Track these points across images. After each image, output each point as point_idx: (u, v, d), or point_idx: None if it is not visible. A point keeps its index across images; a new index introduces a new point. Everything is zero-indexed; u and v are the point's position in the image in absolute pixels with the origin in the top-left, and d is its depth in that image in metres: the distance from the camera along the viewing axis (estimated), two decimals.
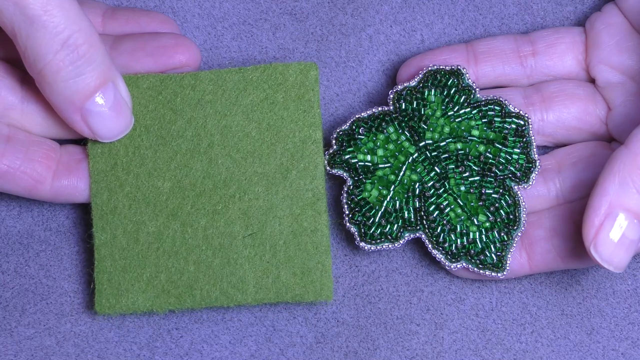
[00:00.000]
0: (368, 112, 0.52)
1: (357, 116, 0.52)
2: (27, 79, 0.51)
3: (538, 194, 0.53)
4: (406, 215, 0.51)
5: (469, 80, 0.52)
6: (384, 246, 0.51)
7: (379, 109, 0.52)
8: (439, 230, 0.51)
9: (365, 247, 0.51)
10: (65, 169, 0.52)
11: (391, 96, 0.52)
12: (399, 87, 0.52)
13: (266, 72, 0.52)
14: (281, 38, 0.57)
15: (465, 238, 0.51)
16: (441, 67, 0.52)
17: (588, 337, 0.54)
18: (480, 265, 0.51)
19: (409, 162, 0.52)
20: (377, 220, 0.51)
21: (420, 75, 0.52)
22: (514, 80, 0.54)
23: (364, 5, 0.57)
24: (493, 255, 0.51)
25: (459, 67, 0.52)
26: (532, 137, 0.52)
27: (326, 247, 0.52)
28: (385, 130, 0.52)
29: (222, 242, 0.51)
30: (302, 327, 0.54)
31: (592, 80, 0.54)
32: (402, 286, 0.54)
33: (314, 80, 0.52)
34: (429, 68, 0.53)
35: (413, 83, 0.52)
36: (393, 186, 0.51)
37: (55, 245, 0.55)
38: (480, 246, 0.51)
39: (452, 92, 0.52)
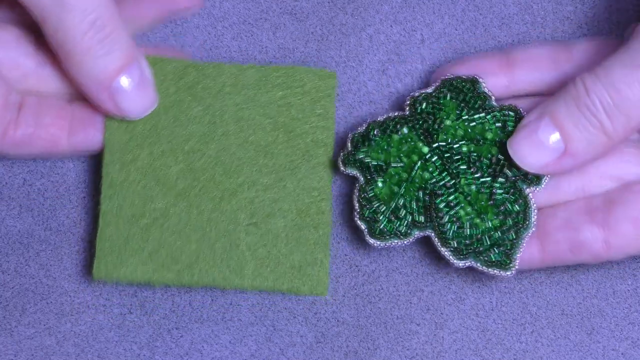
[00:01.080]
0: (384, 116, 0.53)
1: (373, 120, 0.53)
2: (41, 44, 0.52)
3: (558, 188, 0.52)
4: (416, 212, 0.51)
5: (485, 88, 0.53)
6: (392, 243, 0.51)
7: (395, 113, 0.53)
8: (447, 228, 0.51)
9: (374, 244, 0.52)
10: (79, 124, 0.52)
11: (408, 101, 0.53)
12: (416, 93, 0.53)
13: (287, 74, 0.54)
14: (281, 38, 0.57)
15: (473, 236, 0.51)
16: (457, 75, 0.53)
17: (588, 337, 0.54)
18: (488, 264, 0.51)
19: (421, 162, 0.52)
20: (386, 216, 0.52)
21: (438, 83, 0.53)
22: (550, 86, 0.54)
23: (364, 5, 0.57)
24: (500, 253, 0.51)
25: (475, 76, 0.53)
26: None
27: (325, 244, 0.52)
28: (399, 132, 0.52)
29: (226, 227, 0.52)
30: (302, 327, 0.54)
31: None
32: (402, 286, 0.54)
33: (331, 87, 0.54)
34: (446, 77, 0.53)
35: (430, 90, 0.53)
36: (404, 184, 0.52)
37: (55, 244, 0.55)
38: (488, 244, 0.51)
39: (467, 97, 0.52)
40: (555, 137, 0.49)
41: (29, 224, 0.55)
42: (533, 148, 0.50)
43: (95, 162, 0.56)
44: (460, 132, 0.52)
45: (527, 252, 0.51)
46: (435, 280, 0.54)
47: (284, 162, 0.53)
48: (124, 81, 0.50)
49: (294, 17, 0.57)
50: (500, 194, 0.51)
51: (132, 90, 0.51)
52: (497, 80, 0.54)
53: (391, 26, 0.57)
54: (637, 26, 0.49)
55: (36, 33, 0.51)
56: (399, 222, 0.51)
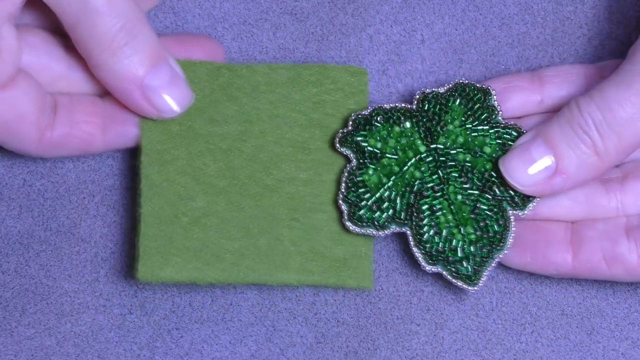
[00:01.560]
0: (391, 104, 0.53)
1: (379, 105, 0.53)
2: (69, 47, 0.52)
3: (597, 203, 0.52)
4: (398, 207, 0.52)
5: (495, 102, 0.53)
6: (368, 231, 0.52)
7: (403, 105, 0.53)
8: (424, 230, 0.51)
9: (351, 227, 0.52)
10: (111, 121, 0.53)
11: (417, 96, 0.53)
12: (427, 89, 0.53)
13: (318, 72, 0.54)
14: (281, 38, 0.57)
15: (447, 244, 0.51)
16: (472, 82, 0.53)
17: (588, 337, 0.54)
18: (455, 274, 0.51)
19: (415, 160, 0.52)
20: (369, 203, 0.52)
21: (450, 85, 0.53)
22: None
23: (364, 5, 0.57)
24: (470, 267, 0.51)
25: (489, 87, 0.53)
26: None
27: (368, 237, 0.53)
28: (402, 125, 0.53)
29: (269, 223, 0.52)
30: (302, 327, 0.54)
31: None
32: (402, 286, 0.54)
33: (364, 83, 0.54)
34: (460, 80, 0.53)
35: (441, 90, 0.53)
36: (394, 177, 0.52)
37: (55, 245, 0.55)
38: (460, 255, 0.51)
39: (475, 107, 0.53)
40: (547, 156, 0.50)
41: (29, 224, 0.55)
42: (524, 167, 0.50)
43: (95, 162, 0.56)
44: (460, 139, 0.52)
45: (560, 257, 0.51)
46: (435, 280, 0.54)
47: (321, 157, 0.53)
48: (155, 79, 0.51)
49: (294, 17, 0.57)
50: (484, 210, 0.52)
51: (164, 87, 0.51)
52: (531, 96, 0.53)
53: (391, 26, 0.57)
54: (631, 48, 0.49)
55: (63, 36, 0.52)
56: (379, 213, 0.52)
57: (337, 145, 0.53)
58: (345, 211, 0.52)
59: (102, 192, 0.55)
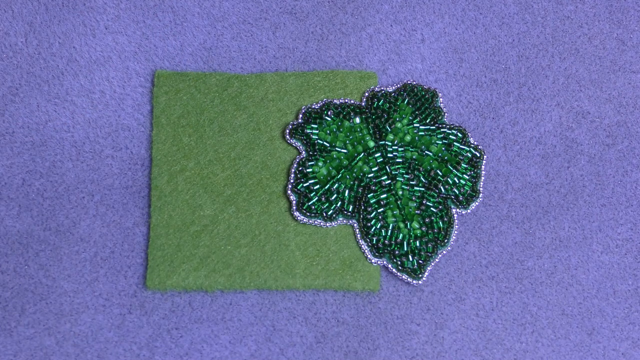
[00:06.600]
0: (341, 100, 0.54)
1: (329, 100, 0.54)
2: None
3: None
4: (346, 200, 0.53)
5: (441, 103, 0.54)
6: (316, 222, 0.53)
7: (352, 101, 0.54)
8: (372, 223, 0.53)
9: (299, 218, 0.53)
10: None
11: (366, 94, 0.54)
12: (376, 88, 0.54)
13: (328, 77, 0.55)
14: (281, 37, 0.57)
15: (394, 238, 0.53)
16: (419, 84, 0.55)
17: (588, 337, 0.54)
18: (400, 268, 0.53)
19: (364, 154, 0.54)
20: (318, 195, 0.53)
21: (399, 85, 0.55)
22: None
23: (364, 4, 0.57)
24: (415, 261, 0.53)
25: (435, 89, 0.55)
26: (483, 172, 0.54)
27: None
28: (351, 120, 0.54)
29: (275, 229, 0.53)
30: (302, 327, 0.54)
31: None
32: (402, 286, 0.54)
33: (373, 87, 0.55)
34: (409, 82, 0.55)
35: (390, 89, 0.54)
36: (343, 170, 0.53)
37: (55, 245, 0.55)
38: (405, 249, 0.53)
39: (423, 107, 0.54)
40: None
41: (28, 224, 0.55)
42: None
43: (95, 161, 0.56)
44: (407, 137, 0.54)
45: None
46: (435, 280, 0.54)
47: None
48: None
49: (294, 16, 0.57)
50: (429, 207, 0.53)
51: None
52: None
53: (391, 25, 0.57)
54: None
55: None
56: (327, 205, 0.53)
57: (287, 136, 0.54)
58: (294, 201, 0.53)
59: (102, 192, 0.55)
